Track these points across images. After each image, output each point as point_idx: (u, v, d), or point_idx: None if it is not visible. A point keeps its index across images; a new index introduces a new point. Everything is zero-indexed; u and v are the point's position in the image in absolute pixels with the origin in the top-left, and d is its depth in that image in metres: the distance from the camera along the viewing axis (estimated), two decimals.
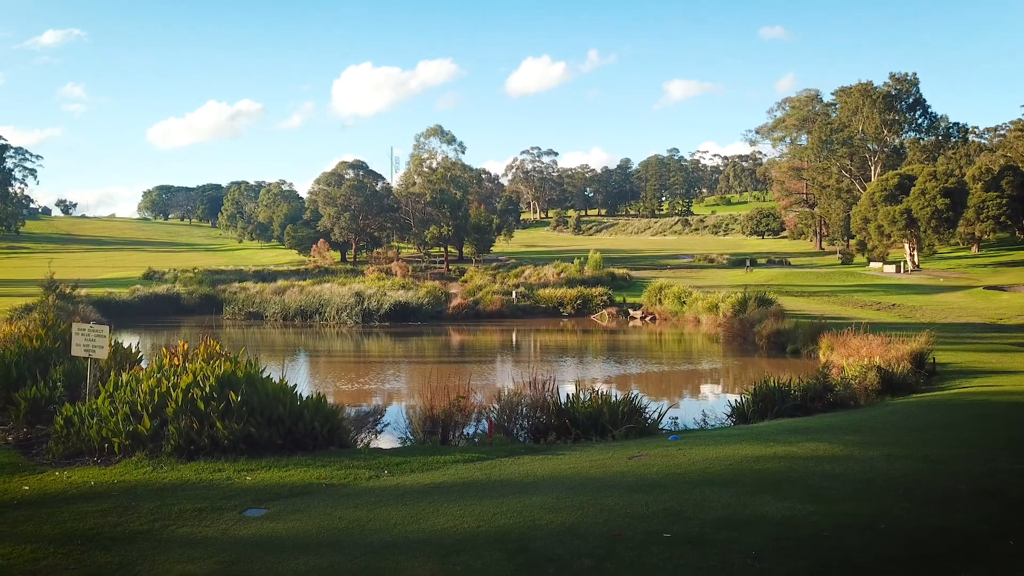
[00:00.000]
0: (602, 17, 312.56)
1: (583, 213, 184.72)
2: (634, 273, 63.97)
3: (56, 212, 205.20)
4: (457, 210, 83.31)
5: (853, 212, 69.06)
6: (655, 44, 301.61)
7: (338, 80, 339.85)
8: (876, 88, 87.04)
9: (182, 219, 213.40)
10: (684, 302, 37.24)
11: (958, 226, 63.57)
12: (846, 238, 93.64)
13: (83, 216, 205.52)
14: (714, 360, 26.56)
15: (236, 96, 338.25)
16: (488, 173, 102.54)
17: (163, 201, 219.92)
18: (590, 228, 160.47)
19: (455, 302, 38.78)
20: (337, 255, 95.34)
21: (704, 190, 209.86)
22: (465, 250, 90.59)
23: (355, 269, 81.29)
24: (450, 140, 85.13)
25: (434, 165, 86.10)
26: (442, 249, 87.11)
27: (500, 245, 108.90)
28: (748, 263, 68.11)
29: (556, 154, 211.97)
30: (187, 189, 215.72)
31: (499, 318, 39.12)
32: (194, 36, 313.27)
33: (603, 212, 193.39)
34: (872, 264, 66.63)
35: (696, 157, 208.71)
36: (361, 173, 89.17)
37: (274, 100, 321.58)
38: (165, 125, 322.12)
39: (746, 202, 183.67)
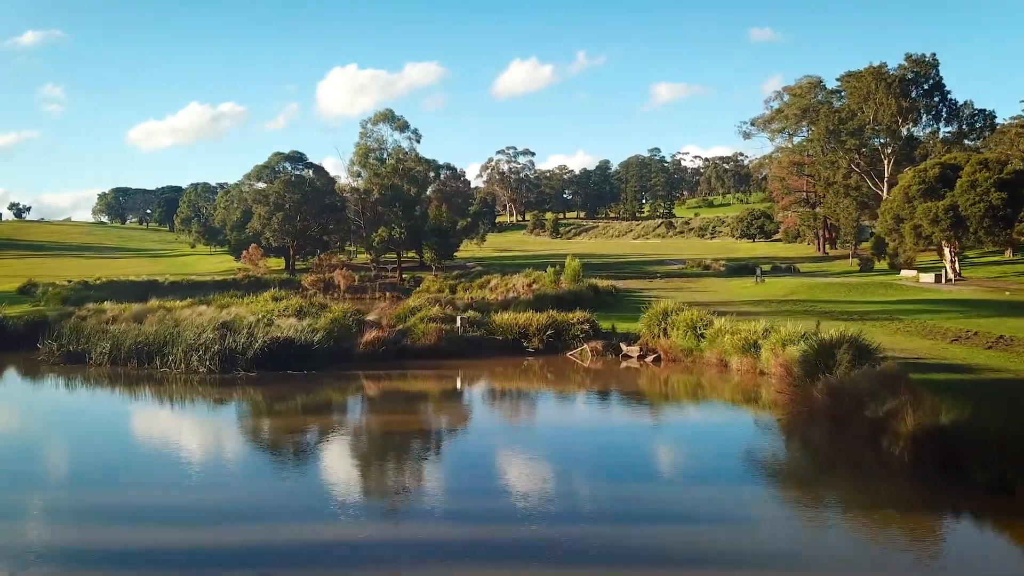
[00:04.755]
0: (591, 18, 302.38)
1: (561, 215, 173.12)
2: (620, 284, 52.16)
3: (8, 216, 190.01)
4: (411, 209, 70.65)
5: (882, 210, 57.48)
6: (644, 46, 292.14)
7: (323, 81, 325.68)
8: (890, 71, 75.84)
9: (140, 223, 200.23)
10: (703, 335, 25.12)
11: (1014, 226, 52.06)
12: (856, 241, 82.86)
13: (41, 220, 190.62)
14: (805, 486, 14.35)
15: (219, 98, 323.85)
16: (454, 168, 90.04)
17: (120, 204, 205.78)
18: (568, 231, 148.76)
19: (368, 336, 26.30)
20: (281, 262, 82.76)
21: (685, 192, 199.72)
22: (426, 256, 78.14)
23: (292, 279, 68.74)
24: (403, 127, 71.92)
25: (384, 156, 73.05)
26: (396, 255, 74.58)
27: (471, 250, 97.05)
28: (759, 272, 55.98)
29: (533, 154, 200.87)
30: (144, 191, 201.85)
31: (435, 357, 26.66)
32: (176, 37, 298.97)
33: (582, 215, 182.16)
34: (904, 272, 55.22)
35: (677, 158, 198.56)
36: (301, 166, 76.32)
37: (258, 102, 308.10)
38: (146, 127, 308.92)
39: (729, 204, 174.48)
